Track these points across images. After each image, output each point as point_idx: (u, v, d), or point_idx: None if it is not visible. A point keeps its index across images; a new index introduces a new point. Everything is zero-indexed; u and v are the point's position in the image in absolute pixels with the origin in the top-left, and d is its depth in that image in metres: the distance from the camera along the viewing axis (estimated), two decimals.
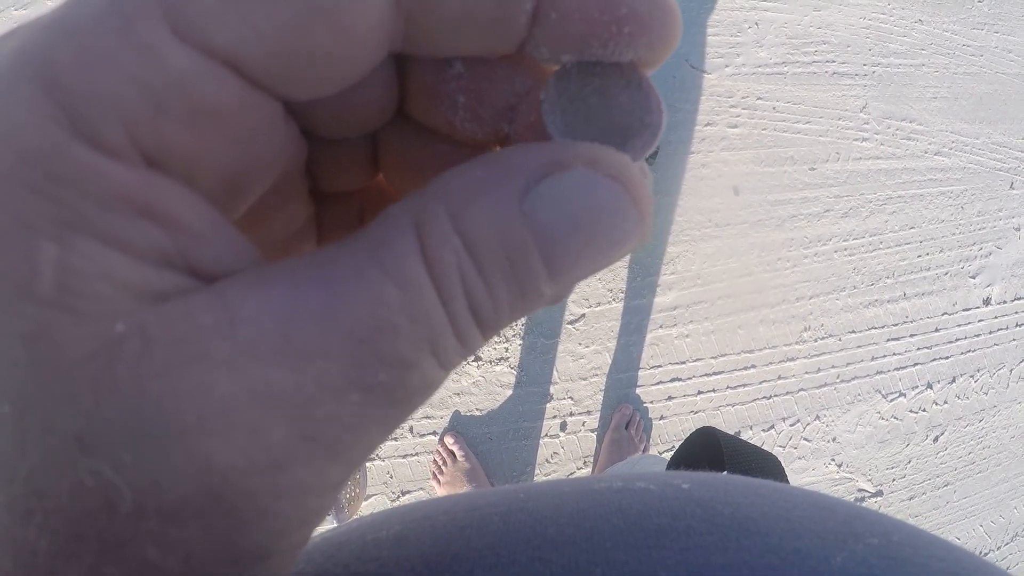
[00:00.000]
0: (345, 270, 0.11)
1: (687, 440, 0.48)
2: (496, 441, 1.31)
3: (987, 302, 1.65)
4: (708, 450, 0.43)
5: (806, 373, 1.49)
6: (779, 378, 1.47)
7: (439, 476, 1.25)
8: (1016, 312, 1.68)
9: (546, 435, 1.33)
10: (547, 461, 1.33)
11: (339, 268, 0.11)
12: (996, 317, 1.66)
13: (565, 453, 1.34)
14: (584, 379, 1.35)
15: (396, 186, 0.17)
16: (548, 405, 1.33)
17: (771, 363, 1.46)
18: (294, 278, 0.11)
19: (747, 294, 1.46)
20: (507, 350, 1.33)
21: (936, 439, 1.58)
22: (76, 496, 0.10)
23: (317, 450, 0.10)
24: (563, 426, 1.34)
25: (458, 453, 1.25)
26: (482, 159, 0.12)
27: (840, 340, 1.52)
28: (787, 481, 0.36)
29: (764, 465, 0.42)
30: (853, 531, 0.17)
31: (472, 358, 1.30)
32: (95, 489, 0.09)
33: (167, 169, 0.10)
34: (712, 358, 1.43)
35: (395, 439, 1.27)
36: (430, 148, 0.15)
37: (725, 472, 0.38)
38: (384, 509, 0.20)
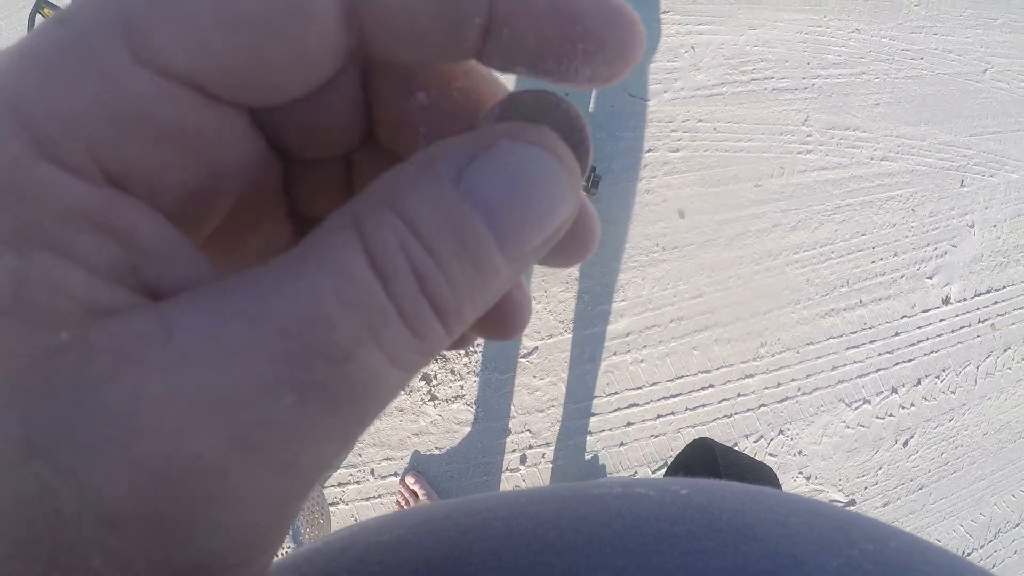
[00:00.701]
0: (278, 271, 0.11)
1: (683, 451, 0.48)
2: (457, 478, 1.33)
3: (947, 301, 1.66)
4: (704, 461, 0.43)
5: (766, 388, 1.50)
6: (738, 395, 1.48)
7: None
8: (978, 308, 1.68)
9: (507, 469, 1.35)
10: None
11: (273, 270, 0.11)
12: (957, 315, 1.66)
13: (527, 487, 1.36)
14: (541, 411, 1.38)
15: None
16: (507, 439, 1.36)
17: (729, 381, 1.48)
18: (230, 285, 0.11)
19: (699, 315, 1.48)
20: (463, 387, 1.35)
21: (906, 443, 1.58)
22: (22, 501, 0.10)
23: (253, 457, 0.10)
24: (523, 459, 1.36)
25: (420, 492, 1.27)
26: (410, 160, 0.12)
27: (798, 353, 1.53)
28: (781, 489, 0.37)
29: (759, 475, 0.42)
30: (849, 537, 0.18)
31: (428, 398, 1.33)
32: (38, 494, 0.10)
33: (130, 186, 0.11)
34: (668, 381, 1.44)
35: (357, 483, 1.30)
36: None
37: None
38: (386, 513, 0.20)
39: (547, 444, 1.37)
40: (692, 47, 1.61)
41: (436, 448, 1.33)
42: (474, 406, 1.35)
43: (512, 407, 1.37)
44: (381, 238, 0.11)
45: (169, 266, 0.11)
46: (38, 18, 1.12)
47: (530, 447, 1.36)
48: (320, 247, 0.11)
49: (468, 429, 1.34)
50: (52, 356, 0.10)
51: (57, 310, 0.10)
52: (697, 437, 0.46)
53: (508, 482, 1.35)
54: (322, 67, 0.12)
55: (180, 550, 0.10)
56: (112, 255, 0.10)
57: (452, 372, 1.36)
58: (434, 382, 1.34)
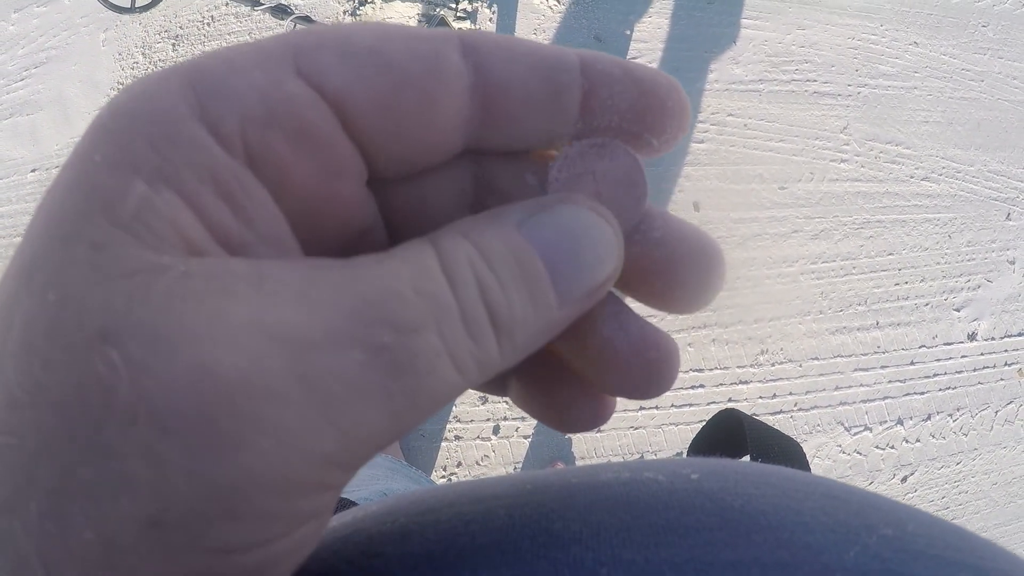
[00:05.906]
0: (364, 258, 0.12)
1: (709, 423, 0.48)
2: (428, 439, 1.32)
3: (972, 337, 1.56)
4: (730, 432, 0.42)
5: (760, 398, 1.44)
6: (729, 400, 1.42)
7: None
8: (1006, 350, 1.57)
9: (478, 437, 1.33)
10: (477, 463, 1.33)
11: (358, 258, 0.12)
12: (983, 354, 1.56)
13: (496, 457, 1.33)
14: None
15: None
16: (483, 408, 1.34)
17: (721, 384, 1.42)
18: (320, 260, 0.12)
19: (699, 312, 1.43)
20: None
21: (905, 479, 1.49)
22: (80, 387, 0.10)
23: (311, 399, 0.11)
24: (496, 430, 1.34)
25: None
26: (482, 213, 0.14)
27: (800, 366, 1.46)
28: (808, 467, 0.36)
29: (786, 450, 0.41)
30: (867, 522, 0.17)
31: None
32: (103, 375, 0.10)
33: (261, 169, 0.12)
34: None
35: None
36: None
37: (747, 456, 0.37)
38: (389, 498, 0.20)
39: (523, 419, 1.34)
40: (733, 40, 1.55)
41: None
42: None
43: None
44: (453, 253, 0.13)
45: (270, 252, 0.13)
46: None
47: (505, 419, 1.34)
48: (401, 251, 0.13)
49: None
50: (153, 271, 0.11)
51: (165, 239, 0.11)
52: (724, 408, 0.44)
53: (478, 450, 1.33)
54: (444, 134, 0.13)
55: (219, 467, 0.10)
56: (225, 220, 0.12)
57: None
58: None
